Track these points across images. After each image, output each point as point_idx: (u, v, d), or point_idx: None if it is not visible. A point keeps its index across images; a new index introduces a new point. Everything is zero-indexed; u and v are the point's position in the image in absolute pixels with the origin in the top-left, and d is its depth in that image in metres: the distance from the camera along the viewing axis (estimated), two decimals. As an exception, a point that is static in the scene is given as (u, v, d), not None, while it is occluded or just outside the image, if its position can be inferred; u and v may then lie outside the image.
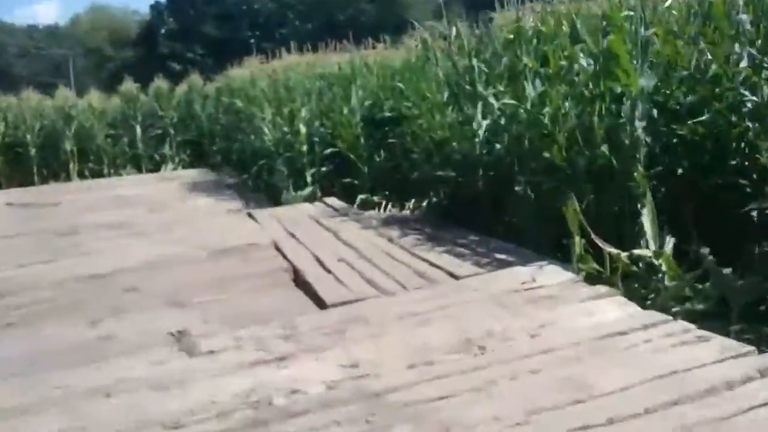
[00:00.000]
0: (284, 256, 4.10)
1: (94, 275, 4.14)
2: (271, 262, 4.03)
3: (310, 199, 6.59)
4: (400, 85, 6.76)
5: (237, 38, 38.43)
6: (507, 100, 4.17)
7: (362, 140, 6.77)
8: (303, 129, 6.73)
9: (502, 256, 3.84)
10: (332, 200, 6.24)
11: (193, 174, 10.04)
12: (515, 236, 4.58)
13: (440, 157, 5.30)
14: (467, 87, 4.74)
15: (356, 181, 6.78)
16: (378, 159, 6.93)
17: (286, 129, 6.90)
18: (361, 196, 6.60)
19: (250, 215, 5.81)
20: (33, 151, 10.98)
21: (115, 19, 51.92)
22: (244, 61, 8.66)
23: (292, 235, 4.72)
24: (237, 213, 6.20)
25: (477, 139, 4.77)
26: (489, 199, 4.79)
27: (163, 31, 43.08)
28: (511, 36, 4.36)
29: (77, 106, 11.94)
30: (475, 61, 4.76)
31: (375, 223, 5.02)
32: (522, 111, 4.19)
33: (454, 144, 5.18)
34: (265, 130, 7.28)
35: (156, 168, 11.48)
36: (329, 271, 3.63)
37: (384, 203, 6.53)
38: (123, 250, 4.91)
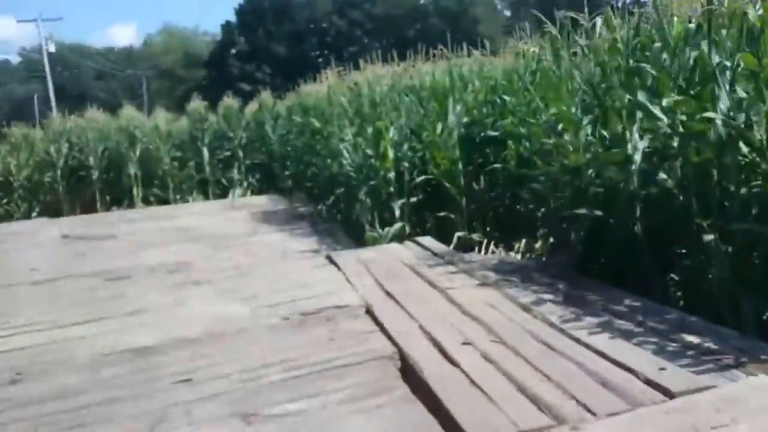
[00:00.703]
0: (384, 332, 3.03)
1: (139, 350, 3.19)
2: (367, 341, 2.97)
3: (399, 237, 5.53)
4: (506, 98, 5.67)
5: (306, 57, 38.23)
6: (710, 114, 2.98)
7: (459, 165, 5.69)
8: (390, 152, 5.70)
9: (699, 341, 2.67)
10: (427, 240, 5.15)
11: (262, 202, 9.16)
12: (691, 302, 3.40)
13: (571, 189, 4.15)
14: (625, 95, 3.58)
15: (452, 215, 5.70)
16: (477, 188, 5.85)
17: (369, 152, 5.88)
18: (458, 234, 5.54)
19: (330, 259, 4.79)
20: (95, 175, 10.38)
21: (187, 40, 52.93)
22: (322, 74, 7.73)
23: (389, 294, 3.65)
24: (314, 255, 5.20)
25: (633, 166, 3.60)
26: (649, 248, 3.61)
27: (233, 51, 43.40)
28: (693, 25, 3.18)
29: (143, 127, 11.31)
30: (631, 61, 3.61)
31: (492, 277, 3.89)
32: (712, 127, 3.02)
33: (590, 171, 4.04)
34: (345, 153, 6.28)
35: (223, 193, 10.70)
36: (455, 365, 2.53)
37: (485, 242, 5.45)
38: (179, 307, 3.97)
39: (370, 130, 5.96)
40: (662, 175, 3.54)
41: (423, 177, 5.70)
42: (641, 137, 3.60)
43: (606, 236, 3.87)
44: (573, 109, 4.10)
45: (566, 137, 4.24)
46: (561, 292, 3.61)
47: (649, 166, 3.62)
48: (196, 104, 11.86)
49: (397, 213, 5.71)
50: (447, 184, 5.62)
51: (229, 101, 11.76)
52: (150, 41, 58.52)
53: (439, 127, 5.78)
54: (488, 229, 5.78)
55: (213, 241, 6.28)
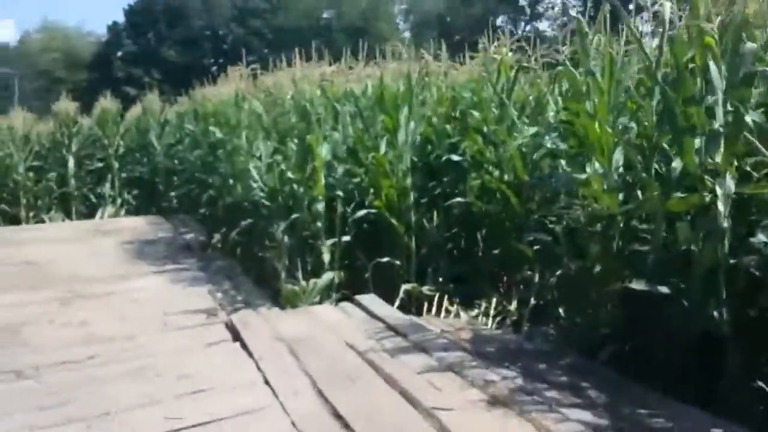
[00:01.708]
0: None
1: None
2: None
3: (328, 292, 4.06)
4: (474, 113, 4.38)
5: (200, 64, 35.77)
6: None
7: (411, 198, 4.32)
8: (321, 176, 4.21)
9: None
10: (371, 301, 3.72)
11: (139, 225, 7.36)
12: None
13: (601, 247, 2.85)
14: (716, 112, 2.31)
15: (397, 261, 4.30)
16: (428, 227, 4.50)
17: (291, 174, 4.37)
18: (405, 287, 4.15)
19: (232, 331, 3.24)
20: None
21: (68, 40, 48.56)
22: (230, 73, 6.14)
23: (340, 419, 2.18)
24: (207, 319, 3.60)
25: (720, 221, 2.35)
26: (739, 346, 2.35)
27: (119, 53, 40.34)
28: None
29: (-6, 129, 9.18)
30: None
31: (494, 380, 2.50)
32: None
33: (634, 223, 2.80)
34: (255, 173, 4.74)
35: (91, 213, 8.75)
36: None
37: (437, 297, 4.11)
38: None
39: (293, 146, 4.45)
40: (762, 238, 2.33)
41: (363, 211, 4.25)
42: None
43: (658, 321, 2.60)
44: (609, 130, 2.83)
45: (589, 169, 2.97)
46: (607, 409, 2.29)
47: (739, 220, 2.40)
48: (65, 104, 9.79)
49: (327, 257, 4.22)
50: (393, 221, 4.22)
51: (106, 103, 9.80)
52: (27, 39, 53.50)
53: (383, 146, 4.38)
54: (440, 279, 4.44)
55: (65, 286, 4.51)
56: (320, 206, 4.24)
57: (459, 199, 4.34)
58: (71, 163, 8.86)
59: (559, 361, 2.82)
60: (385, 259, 4.27)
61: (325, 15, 41.97)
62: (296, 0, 39.97)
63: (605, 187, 2.82)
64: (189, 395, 2.45)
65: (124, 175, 9.09)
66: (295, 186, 4.35)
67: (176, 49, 38.41)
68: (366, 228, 4.57)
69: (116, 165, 9.06)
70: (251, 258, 5.29)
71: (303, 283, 3.98)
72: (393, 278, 4.34)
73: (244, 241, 5.38)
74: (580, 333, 2.93)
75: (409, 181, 4.28)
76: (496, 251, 4.40)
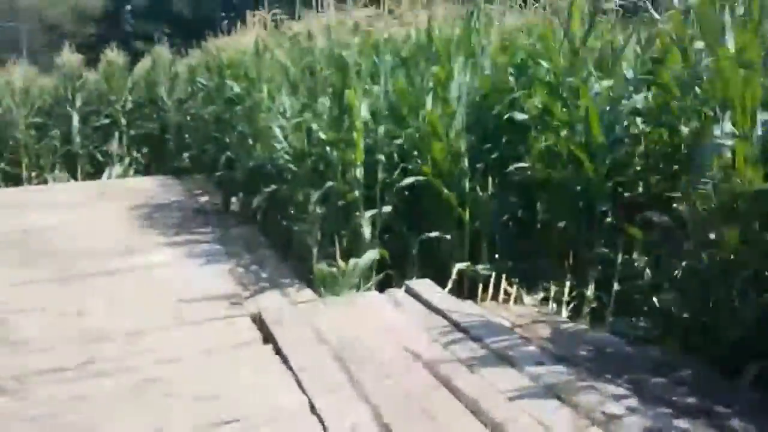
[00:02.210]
0: None
1: None
2: None
3: (369, 272, 3.45)
4: (542, 62, 3.69)
5: (211, 18, 34.75)
6: None
7: (465, 163, 3.66)
8: (361, 138, 3.56)
9: None
10: (426, 287, 3.11)
11: (149, 186, 6.76)
12: None
13: (738, 229, 2.20)
14: None
15: (447, 236, 3.68)
16: (482, 195, 3.85)
17: (322, 135, 3.72)
18: (459, 266, 3.54)
19: (263, 329, 2.65)
20: None
21: (76, -8, 47.50)
22: (248, 20, 5.42)
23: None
24: (231, 309, 2.99)
25: None
26: None
27: (128, 7, 39.32)
28: None
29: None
30: None
31: (613, 412, 1.90)
32: None
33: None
34: (278, 132, 4.09)
35: (97, 172, 8.15)
36: None
37: (493, 277, 3.52)
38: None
39: (325, 102, 3.79)
40: None
41: (411, 178, 3.60)
42: None
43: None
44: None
45: (717, 131, 2.31)
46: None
47: None
48: (69, 57, 9.09)
49: (367, 232, 3.60)
50: (444, 190, 3.58)
51: (112, 55, 9.11)
52: (34, -9, 52.26)
53: (429, 102, 3.72)
54: (496, 256, 3.83)
55: (63, 263, 3.93)
56: (359, 172, 3.60)
57: (522, 164, 3.68)
58: (76, 119, 8.22)
59: (676, 373, 2.22)
60: (434, 234, 3.66)
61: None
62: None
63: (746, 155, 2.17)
64: (211, 428, 1.86)
65: (132, 132, 8.45)
66: (327, 149, 3.70)
67: (186, 2, 37.32)
68: (407, 197, 3.94)
69: (124, 121, 8.43)
70: (274, 226, 4.70)
71: (341, 263, 3.36)
72: (441, 255, 3.74)
73: (266, 207, 4.77)
74: (704, 338, 2.30)
75: (462, 143, 3.63)
76: (561, 224, 3.80)
